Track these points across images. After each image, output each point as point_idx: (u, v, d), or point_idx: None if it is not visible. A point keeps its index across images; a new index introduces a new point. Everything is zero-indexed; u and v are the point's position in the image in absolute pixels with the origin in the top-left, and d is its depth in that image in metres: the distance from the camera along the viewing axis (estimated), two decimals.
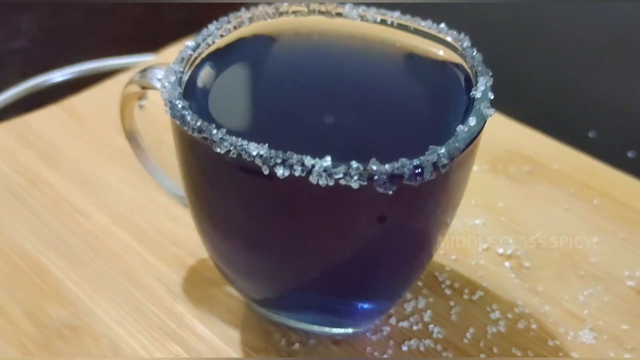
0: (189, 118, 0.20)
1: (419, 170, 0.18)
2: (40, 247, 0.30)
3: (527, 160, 0.35)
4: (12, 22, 0.53)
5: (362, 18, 0.26)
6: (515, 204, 0.33)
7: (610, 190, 0.33)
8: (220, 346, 0.26)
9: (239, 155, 0.19)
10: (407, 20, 0.25)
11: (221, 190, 0.21)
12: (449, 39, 0.24)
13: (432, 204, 0.21)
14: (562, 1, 0.58)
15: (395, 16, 0.25)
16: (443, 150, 0.19)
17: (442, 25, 0.25)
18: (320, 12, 0.26)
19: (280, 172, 0.18)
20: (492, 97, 0.22)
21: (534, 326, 0.27)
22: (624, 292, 0.28)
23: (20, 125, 0.37)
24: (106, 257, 0.29)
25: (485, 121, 0.21)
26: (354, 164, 0.18)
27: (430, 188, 0.20)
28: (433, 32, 0.25)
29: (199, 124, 0.19)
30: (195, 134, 0.19)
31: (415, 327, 0.27)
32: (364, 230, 0.21)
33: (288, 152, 0.18)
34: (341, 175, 0.18)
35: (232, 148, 0.19)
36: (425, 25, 0.25)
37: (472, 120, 0.20)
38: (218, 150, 0.19)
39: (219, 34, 0.24)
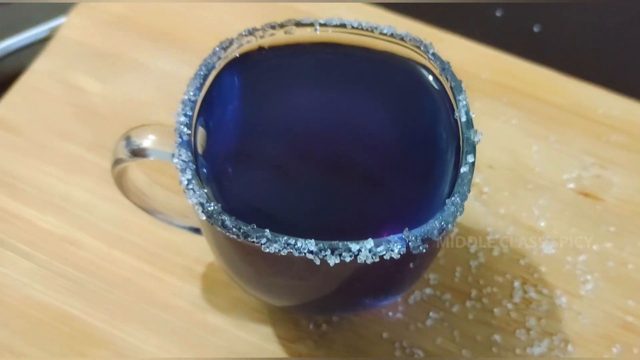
0: (232, 227, 0.21)
1: (444, 226, 0.21)
2: (50, 292, 0.31)
3: (458, 72, 0.38)
4: None
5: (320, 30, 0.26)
6: None
7: (534, 89, 0.37)
8: (260, 344, 0.29)
9: (290, 253, 0.21)
10: (369, 27, 0.26)
11: (267, 274, 0.23)
12: (410, 44, 0.25)
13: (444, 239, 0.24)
14: None
15: (355, 25, 0.26)
16: (458, 199, 0.22)
17: (404, 32, 0.26)
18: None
19: (332, 261, 0.21)
20: (473, 116, 0.24)
21: (505, 250, 0.32)
22: (567, 196, 0.34)
23: None
24: (121, 285, 0.31)
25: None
26: (393, 238, 0.21)
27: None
28: (395, 39, 0.26)
29: (243, 230, 0.21)
30: (241, 239, 0.21)
31: None
32: (391, 276, 0.24)
33: (334, 242, 0.21)
34: (384, 252, 0.21)
35: (281, 248, 0.21)
36: (386, 30, 0.26)
37: (470, 158, 0.23)
38: (268, 250, 0.21)
39: (200, 93, 0.24)
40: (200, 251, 0.31)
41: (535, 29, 0.44)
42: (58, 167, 0.34)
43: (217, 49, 0.25)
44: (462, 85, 0.25)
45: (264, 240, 0.21)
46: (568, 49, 0.43)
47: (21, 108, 0.36)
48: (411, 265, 0.23)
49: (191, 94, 0.24)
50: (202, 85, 0.24)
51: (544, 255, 0.32)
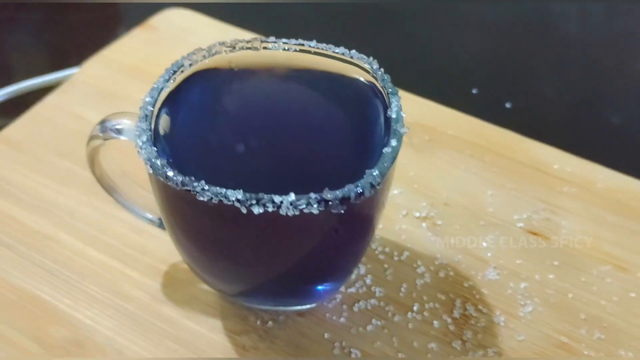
0: (171, 175, 0.24)
1: (362, 191, 0.24)
2: (26, 279, 0.33)
3: (426, 129, 0.42)
4: None
5: (284, 49, 0.30)
6: (423, 171, 0.39)
7: (496, 146, 0.40)
8: (207, 335, 0.31)
9: (220, 201, 0.24)
10: (323, 47, 0.30)
11: (203, 225, 0.26)
12: (358, 61, 0.29)
13: (372, 211, 0.27)
14: None
15: (312, 45, 0.30)
16: (377, 172, 0.25)
17: (353, 50, 0.30)
18: (247, 48, 0.31)
19: (256, 210, 0.23)
20: (404, 116, 0.27)
21: (451, 273, 0.34)
22: (516, 233, 0.36)
23: None
24: (89, 277, 0.33)
25: (402, 137, 0.26)
26: (313, 195, 0.24)
27: (369, 201, 0.25)
28: (345, 56, 0.30)
29: (181, 179, 0.24)
30: (179, 187, 0.24)
31: (360, 291, 0.33)
32: (323, 240, 0.26)
33: (260, 193, 0.24)
34: (304, 206, 0.23)
35: (213, 196, 0.24)
36: (339, 51, 0.30)
37: (393, 142, 0.26)
38: (201, 198, 0.24)
39: (167, 84, 0.28)
40: (167, 253, 0.34)
41: (507, 105, 0.48)
42: (51, 179, 0.38)
43: (188, 54, 0.29)
44: (397, 92, 0.28)
45: (198, 189, 0.24)
46: (536, 121, 0.46)
47: (28, 130, 0.41)
48: (336, 232, 0.26)
49: (160, 82, 0.28)
50: (170, 78, 0.28)
51: (487, 280, 0.34)
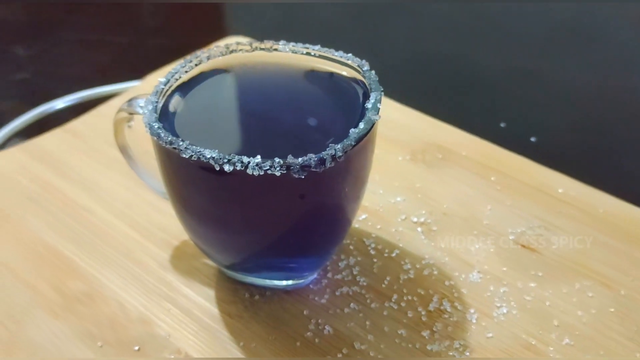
0: (162, 135, 0.28)
1: (321, 160, 0.27)
2: (58, 239, 0.38)
3: (441, 149, 0.44)
4: (12, 57, 0.61)
5: (293, 51, 0.35)
6: (429, 184, 0.41)
7: (505, 168, 0.42)
8: (200, 301, 0.35)
9: (198, 158, 0.27)
10: (325, 51, 0.34)
11: (188, 183, 0.30)
12: (352, 63, 0.33)
13: (338, 184, 0.30)
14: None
15: (315, 48, 0.34)
16: (339, 146, 0.28)
17: (350, 54, 0.33)
18: (261, 49, 0.35)
19: (227, 167, 0.27)
20: (379, 107, 0.30)
21: (435, 272, 0.36)
22: (506, 244, 0.37)
23: (32, 146, 0.45)
24: (110, 243, 0.38)
25: (373, 124, 0.29)
26: (277, 159, 0.27)
27: (333, 173, 0.28)
28: (342, 58, 0.33)
29: (169, 138, 0.28)
30: (168, 146, 0.28)
31: (346, 278, 0.35)
32: (292, 205, 0.29)
33: (231, 154, 0.27)
34: (268, 167, 0.27)
35: (193, 154, 0.27)
36: (337, 54, 0.34)
37: (361, 125, 0.29)
38: (184, 155, 0.28)
39: (184, 70, 0.33)
40: (181, 231, 0.38)
41: (532, 139, 0.49)
42: (99, 163, 0.43)
43: (207, 49, 0.34)
44: (380, 90, 0.31)
45: (182, 147, 0.28)
46: (558, 154, 0.48)
47: (89, 124, 0.47)
48: (301, 197, 0.29)
49: (177, 68, 0.33)
50: (186, 66, 0.33)
51: (469, 281, 0.35)
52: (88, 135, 0.46)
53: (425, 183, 0.42)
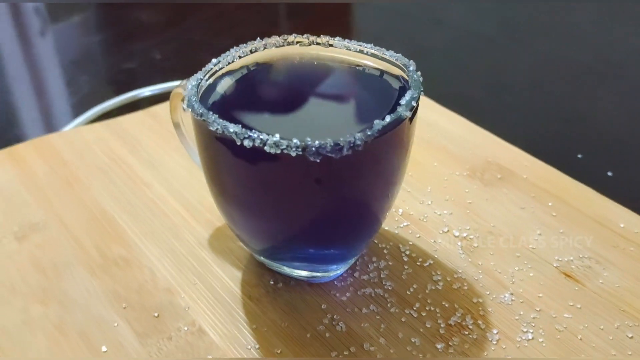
0: (196, 107, 0.30)
1: (338, 146, 0.27)
2: (114, 207, 0.41)
3: (501, 169, 0.43)
4: (125, 49, 0.66)
5: (347, 48, 0.35)
6: (481, 202, 0.40)
7: (565, 195, 0.40)
8: (224, 280, 0.35)
9: (223, 131, 0.28)
10: (376, 49, 0.34)
11: (216, 159, 0.31)
12: (399, 62, 0.33)
13: (358, 175, 0.29)
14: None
15: (368, 47, 0.34)
16: (359, 135, 0.28)
17: (399, 54, 0.33)
18: (317, 43, 0.36)
19: (246, 143, 0.28)
20: (414, 105, 0.30)
21: (465, 287, 0.34)
22: (549, 271, 0.35)
23: (114, 124, 0.49)
24: (159, 217, 0.40)
25: (402, 121, 0.29)
26: (294, 139, 0.27)
27: (352, 162, 0.28)
28: (391, 58, 0.33)
29: (201, 111, 0.29)
30: (199, 118, 0.29)
31: (372, 280, 0.35)
32: (309, 190, 0.29)
33: (253, 130, 0.28)
34: (285, 147, 0.27)
35: (219, 127, 0.28)
36: (387, 53, 0.34)
37: (387, 118, 0.29)
38: (211, 128, 0.29)
39: (237, 55, 0.34)
40: None
41: (609, 173, 0.46)
42: (167, 144, 0.46)
43: (248, 43, 0.35)
44: (419, 89, 0.31)
45: (210, 120, 0.29)
46: (636, 190, 0.44)
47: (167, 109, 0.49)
48: (318, 182, 0.29)
49: (231, 51, 0.34)
50: (235, 54, 0.34)
51: (499, 302, 0.34)
52: (165, 119, 0.49)
53: (476, 200, 0.40)
